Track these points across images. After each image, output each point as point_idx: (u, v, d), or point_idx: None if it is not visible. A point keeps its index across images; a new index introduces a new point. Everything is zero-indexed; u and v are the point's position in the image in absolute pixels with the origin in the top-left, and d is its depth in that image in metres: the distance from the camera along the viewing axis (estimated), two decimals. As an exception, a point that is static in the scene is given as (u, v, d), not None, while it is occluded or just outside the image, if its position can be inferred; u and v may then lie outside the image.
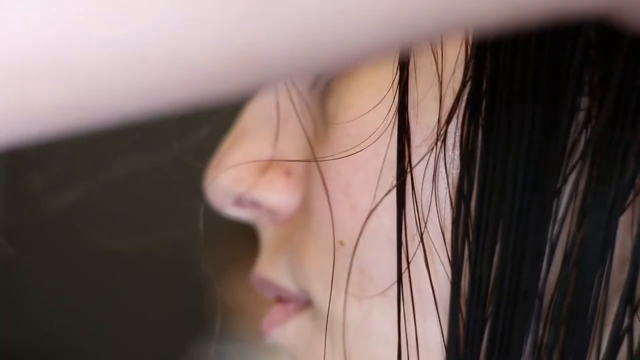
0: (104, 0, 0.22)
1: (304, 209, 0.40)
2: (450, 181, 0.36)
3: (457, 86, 0.36)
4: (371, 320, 0.38)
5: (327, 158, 0.38)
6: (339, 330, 0.39)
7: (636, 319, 0.35)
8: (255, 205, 0.42)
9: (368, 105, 0.37)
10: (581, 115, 0.35)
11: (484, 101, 0.35)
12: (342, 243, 0.38)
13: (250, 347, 1.41)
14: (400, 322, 0.37)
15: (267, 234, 0.43)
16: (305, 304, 0.41)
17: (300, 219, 0.40)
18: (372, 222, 0.37)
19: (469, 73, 0.35)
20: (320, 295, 0.40)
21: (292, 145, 0.40)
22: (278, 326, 0.42)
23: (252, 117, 0.42)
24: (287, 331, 0.42)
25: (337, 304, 0.39)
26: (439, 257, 0.36)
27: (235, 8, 0.22)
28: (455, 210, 0.36)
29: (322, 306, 0.40)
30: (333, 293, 0.39)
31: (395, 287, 0.37)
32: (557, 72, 0.34)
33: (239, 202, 0.42)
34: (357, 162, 0.37)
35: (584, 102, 0.34)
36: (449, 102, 0.36)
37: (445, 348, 0.37)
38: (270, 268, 0.42)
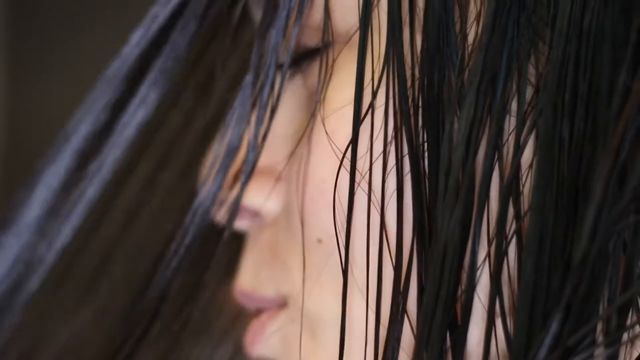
0: None
1: (285, 208, 0.39)
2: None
3: None
4: (350, 317, 0.37)
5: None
6: (319, 328, 0.39)
7: None
8: (255, 214, 0.41)
9: (346, 102, 0.36)
10: None
11: None
12: (319, 241, 0.37)
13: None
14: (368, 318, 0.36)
15: (251, 242, 0.42)
16: (278, 307, 0.41)
17: (281, 219, 0.40)
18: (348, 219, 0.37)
19: None
20: (300, 295, 0.39)
21: (278, 145, 0.40)
22: (258, 340, 0.41)
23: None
24: (267, 341, 0.41)
25: (316, 302, 0.38)
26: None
27: None
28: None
29: (304, 306, 0.39)
30: (312, 291, 0.38)
31: (372, 283, 0.36)
32: None
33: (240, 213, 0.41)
34: (332, 159, 0.37)
35: None
36: None
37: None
38: (251, 278, 0.41)
